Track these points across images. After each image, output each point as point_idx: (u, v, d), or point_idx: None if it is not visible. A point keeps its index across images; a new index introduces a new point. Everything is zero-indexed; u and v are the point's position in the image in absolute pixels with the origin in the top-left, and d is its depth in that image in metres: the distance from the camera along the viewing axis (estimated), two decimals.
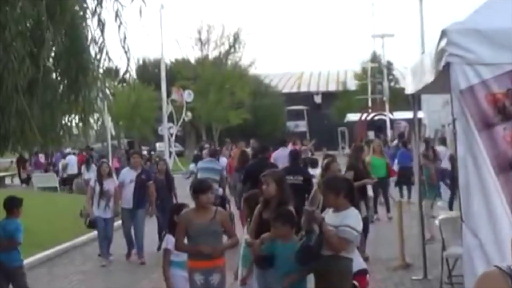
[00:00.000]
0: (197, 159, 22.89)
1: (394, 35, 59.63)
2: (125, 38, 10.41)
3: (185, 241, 8.21)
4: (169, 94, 47.45)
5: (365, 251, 13.29)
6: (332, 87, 78.36)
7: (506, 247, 5.63)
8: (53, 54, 10.37)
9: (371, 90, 63.16)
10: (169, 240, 8.65)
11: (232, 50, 66.77)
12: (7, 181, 39.69)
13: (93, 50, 10.53)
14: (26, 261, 14.23)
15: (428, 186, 15.42)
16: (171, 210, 9.46)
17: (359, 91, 66.83)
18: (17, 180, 39.82)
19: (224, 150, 30.48)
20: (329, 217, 7.25)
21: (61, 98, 10.58)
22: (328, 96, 75.08)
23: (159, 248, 12.63)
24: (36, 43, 9.61)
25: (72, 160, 34.33)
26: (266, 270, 7.63)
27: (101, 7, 10.39)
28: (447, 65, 7.16)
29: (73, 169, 33.90)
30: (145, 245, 14.80)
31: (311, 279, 7.44)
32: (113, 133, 43.94)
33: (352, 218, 7.12)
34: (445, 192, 19.70)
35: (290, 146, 26.51)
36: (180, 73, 59.51)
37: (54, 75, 10.63)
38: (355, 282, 7.43)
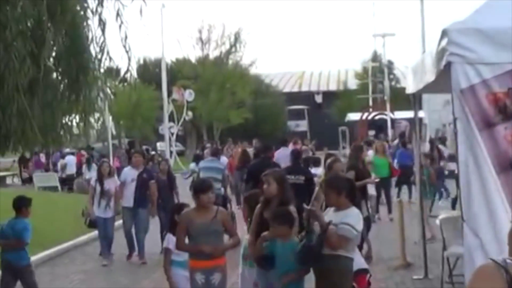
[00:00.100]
0: (197, 158, 22.89)
1: (395, 35, 59.77)
2: (126, 37, 10.43)
3: (186, 240, 8.21)
4: (170, 93, 47.47)
5: (371, 249, 13.33)
6: (333, 87, 78.40)
7: (506, 246, 5.66)
8: (53, 53, 10.38)
9: (372, 89, 63.17)
10: (170, 240, 8.65)
11: (233, 49, 66.75)
12: (8, 180, 39.72)
13: (94, 49, 10.55)
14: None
15: (428, 186, 15.43)
16: (172, 210, 9.47)
17: (360, 91, 66.85)
18: (18, 180, 39.83)
19: (225, 149, 30.53)
20: (330, 216, 7.27)
21: (62, 98, 10.60)
22: (329, 95, 75.10)
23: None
24: (37, 42, 9.62)
25: (71, 160, 34.32)
26: (267, 270, 7.64)
27: (102, 6, 10.42)
28: (448, 64, 7.15)
29: (71, 169, 33.89)
30: (146, 245, 14.80)
31: (311, 278, 7.45)
32: (114, 132, 43.98)
33: (352, 217, 7.14)
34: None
35: (291, 146, 26.54)
36: (181, 72, 59.52)
37: (54, 75, 10.64)
38: (353, 283, 7.44)
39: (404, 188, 21.59)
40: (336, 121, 63.31)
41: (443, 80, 7.53)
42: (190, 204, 9.26)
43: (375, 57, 66.42)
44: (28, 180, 36.76)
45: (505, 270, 2.75)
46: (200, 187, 8.39)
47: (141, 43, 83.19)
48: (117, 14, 10.29)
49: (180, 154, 53.04)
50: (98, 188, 14.42)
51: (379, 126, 49.98)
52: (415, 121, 12.41)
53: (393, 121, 50.37)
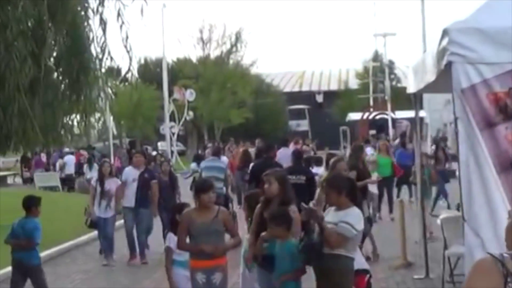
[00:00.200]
0: (197, 158, 22.89)
1: (395, 34, 59.56)
2: (127, 37, 10.44)
3: (187, 240, 8.21)
4: (171, 93, 47.49)
5: (376, 248, 13.36)
6: (334, 86, 78.41)
7: None
8: (54, 53, 10.39)
9: (372, 89, 63.12)
10: (171, 239, 8.65)
11: (234, 49, 66.79)
12: (10, 180, 39.75)
13: (94, 49, 10.55)
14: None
15: (429, 186, 15.43)
16: (173, 209, 9.48)
17: (361, 90, 66.81)
18: (19, 180, 39.86)
19: (226, 149, 30.53)
20: (331, 215, 7.27)
21: (63, 98, 10.60)
22: (329, 95, 75.10)
23: None
24: (38, 42, 9.63)
25: (70, 160, 34.31)
26: (268, 270, 7.65)
27: (103, 6, 10.42)
28: (449, 64, 7.15)
29: (70, 169, 33.88)
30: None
31: (312, 278, 7.45)
32: (115, 132, 43.99)
33: (353, 216, 7.14)
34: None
35: (292, 146, 26.53)
36: (182, 72, 59.52)
37: (55, 75, 10.65)
38: None
39: (404, 188, 21.58)
40: (337, 120, 63.26)
41: (444, 79, 7.53)
42: (190, 204, 9.27)
43: (376, 57, 66.39)
44: (30, 180, 36.79)
45: (502, 264, 2.82)
46: (201, 187, 8.39)
47: (142, 43, 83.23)
48: (118, 14, 10.30)
49: (181, 154, 53.06)
50: (99, 189, 14.37)
51: (380, 126, 49.93)
52: (416, 120, 12.41)
53: (394, 120, 50.31)
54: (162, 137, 51.46)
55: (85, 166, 30.26)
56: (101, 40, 10.44)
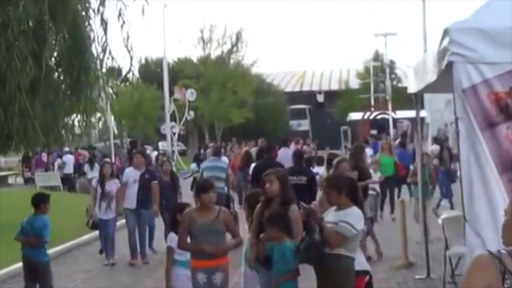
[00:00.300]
0: (197, 159, 22.92)
1: (396, 34, 59.43)
2: (128, 37, 10.44)
3: (188, 240, 8.21)
4: (171, 93, 47.48)
5: (379, 247, 13.37)
6: (335, 86, 78.44)
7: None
8: (55, 53, 10.39)
9: (373, 89, 63.11)
10: (173, 239, 8.65)
11: (235, 49, 66.83)
12: (11, 180, 39.76)
13: (95, 49, 10.56)
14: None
15: (431, 185, 15.42)
16: (174, 209, 9.47)
17: (362, 90, 66.83)
18: (20, 179, 39.85)
19: (228, 149, 30.54)
20: (331, 215, 7.27)
21: (63, 98, 10.60)
22: (330, 95, 75.14)
23: None
24: (39, 42, 9.63)
25: (69, 160, 34.26)
26: (269, 270, 7.66)
27: (104, 6, 10.43)
28: (450, 64, 7.15)
29: (69, 169, 33.85)
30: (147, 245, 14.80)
31: (312, 278, 7.45)
32: (116, 132, 43.98)
33: (352, 216, 7.12)
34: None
35: (292, 146, 26.53)
36: (182, 72, 59.57)
37: (56, 75, 10.65)
38: None
39: (405, 188, 21.56)
40: (338, 120, 63.39)
41: (444, 79, 7.53)
42: (191, 204, 9.27)
43: (377, 57, 66.37)
44: (31, 180, 36.78)
45: (499, 260, 2.86)
46: (201, 187, 8.40)
47: (143, 43, 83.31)
48: (119, 14, 10.31)
49: (182, 153, 53.05)
50: (99, 190, 14.30)
51: (381, 126, 49.93)
52: (417, 120, 12.40)
53: (395, 120, 50.31)
54: (163, 137, 51.41)
55: (86, 166, 30.27)
56: (102, 40, 10.45)
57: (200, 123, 62.26)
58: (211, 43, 65.83)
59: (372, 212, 15.17)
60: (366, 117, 53.37)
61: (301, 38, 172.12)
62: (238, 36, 66.30)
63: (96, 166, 25.55)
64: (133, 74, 11.67)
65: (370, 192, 14.88)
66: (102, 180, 14.40)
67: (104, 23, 10.45)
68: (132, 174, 14.66)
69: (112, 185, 14.40)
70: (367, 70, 68.59)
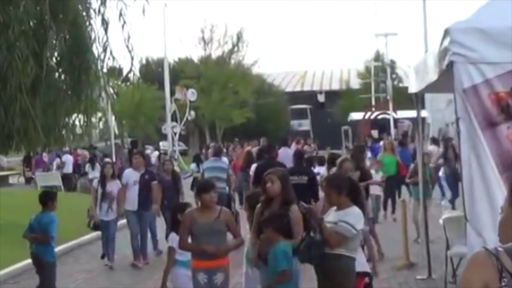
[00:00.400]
0: (197, 159, 22.91)
1: (397, 34, 59.54)
2: (128, 37, 10.42)
3: (189, 240, 8.21)
4: (172, 93, 47.48)
5: (380, 247, 13.38)
6: (336, 86, 78.45)
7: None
8: (56, 53, 10.39)
9: (374, 89, 63.11)
10: (174, 239, 8.65)
11: (235, 49, 66.81)
12: (12, 180, 39.79)
13: (96, 49, 10.55)
14: (31, 260, 14.31)
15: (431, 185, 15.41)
16: (175, 209, 9.47)
17: (363, 90, 66.86)
18: (21, 179, 39.88)
19: (231, 149, 30.53)
20: (331, 215, 7.27)
21: (64, 97, 10.59)
22: (331, 95, 75.15)
23: None
24: (39, 42, 9.62)
25: (68, 159, 34.25)
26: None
27: (105, 6, 10.41)
28: (450, 64, 7.15)
29: (68, 168, 33.84)
30: (149, 245, 14.78)
31: (313, 278, 7.45)
32: (117, 132, 43.99)
33: (352, 216, 7.12)
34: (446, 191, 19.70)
35: (293, 146, 26.53)
36: (183, 72, 59.58)
37: (57, 75, 10.64)
38: None
39: (405, 188, 21.53)
40: (338, 120, 63.34)
41: (445, 79, 7.53)
42: (191, 203, 9.27)
43: (378, 57, 66.38)
44: (32, 180, 36.80)
45: (496, 257, 2.87)
46: (202, 187, 8.40)
47: (144, 43, 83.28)
48: (120, 14, 10.29)
49: (183, 153, 53.06)
50: (100, 190, 14.26)
51: (382, 126, 49.94)
52: (418, 120, 12.40)
53: (395, 120, 50.32)
54: (164, 137, 51.41)
55: (87, 166, 30.28)
56: (103, 40, 10.44)
57: (201, 123, 62.28)
58: (212, 43, 65.85)
59: (373, 212, 15.19)
60: (367, 117, 53.37)
61: (302, 38, 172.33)
62: (239, 36, 66.31)
63: (97, 166, 25.54)
64: (134, 74, 11.64)
65: (372, 192, 14.90)
66: (103, 181, 14.36)
67: (105, 23, 10.43)
68: (132, 175, 14.64)
69: (113, 186, 14.35)
70: (368, 70, 68.60)
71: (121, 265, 14.35)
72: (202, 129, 64.24)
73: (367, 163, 17.06)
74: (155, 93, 55.01)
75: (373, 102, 61.13)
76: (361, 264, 7.84)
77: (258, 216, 8.07)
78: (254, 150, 21.39)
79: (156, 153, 40.04)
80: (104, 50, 10.46)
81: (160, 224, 15.33)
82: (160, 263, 12.90)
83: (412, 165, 16.10)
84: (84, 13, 10.48)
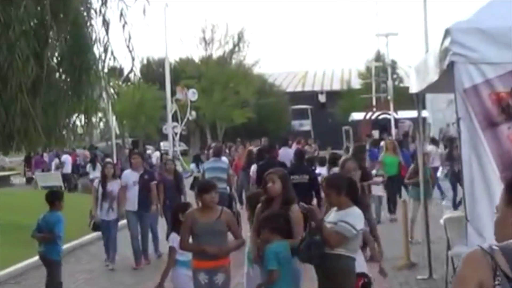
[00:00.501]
0: (196, 159, 22.90)
1: (398, 34, 59.49)
2: (129, 37, 10.43)
3: (190, 240, 8.21)
4: (173, 93, 47.48)
5: (380, 246, 13.37)
6: (337, 86, 78.38)
7: None
8: (56, 53, 10.39)
9: (375, 89, 63.07)
10: (174, 239, 8.65)
11: (236, 49, 66.78)
12: (15, 180, 39.82)
13: (97, 49, 10.56)
14: (32, 260, 14.32)
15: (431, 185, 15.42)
16: (176, 209, 9.46)
17: (364, 90, 66.79)
18: (22, 179, 39.89)
19: (233, 150, 30.52)
20: (332, 215, 7.27)
21: (65, 98, 10.59)
22: (332, 95, 75.10)
23: None
24: (40, 42, 9.62)
25: (67, 159, 34.27)
26: None
27: (106, 6, 10.42)
28: (451, 64, 7.15)
29: (67, 169, 33.85)
30: (150, 246, 14.76)
31: (314, 279, 7.45)
32: (118, 132, 44.01)
33: (352, 216, 7.11)
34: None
35: (294, 146, 26.53)
36: (184, 72, 59.55)
37: (57, 75, 10.65)
38: None
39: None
40: (339, 120, 63.32)
41: (446, 79, 7.52)
42: (192, 204, 9.27)
43: (379, 57, 66.35)
44: (32, 180, 36.82)
45: (491, 256, 2.87)
46: (203, 187, 8.40)
47: (145, 43, 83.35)
48: (121, 14, 10.30)
49: (184, 153, 53.06)
50: (101, 190, 14.22)
51: (383, 126, 49.93)
52: (419, 120, 12.39)
53: (396, 120, 50.30)
54: (164, 137, 51.39)
55: (88, 166, 30.28)
56: (104, 40, 10.44)
57: (202, 123, 62.26)
58: (213, 43, 65.83)
59: (376, 213, 15.20)
60: (368, 117, 53.34)
61: (303, 38, 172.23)
62: (240, 36, 66.29)
63: (98, 166, 25.53)
64: (134, 74, 11.66)
65: (373, 193, 14.91)
66: (104, 181, 14.33)
67: (106, 23, 10.44)
68: (131, 176, 14.59)
69: (114, 186, 14.30)
70: (368, 70, 68.54)
71: (122, 266, 14.34)
72: (203, 129, 64.22)
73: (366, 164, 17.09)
74: (156, 93, 54.99)
75: (374, 102, 61.10)
76: (360, 265, 7.84)
77: (258, 216, 8.08)
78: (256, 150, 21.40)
79: (157, 153, 40.06)
80: (105, 50, 10.47)
81: (162, 224, 15.30)
82: (161, 263, 12.90)
83: (411, 166, 16.10)
84: (85, 13, 10.49)
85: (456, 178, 19.63)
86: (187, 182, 19.91)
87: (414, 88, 10.59)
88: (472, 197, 7.06)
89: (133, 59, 10.61)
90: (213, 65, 62.65)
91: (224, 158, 19.12)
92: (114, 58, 10.60)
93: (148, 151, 43.75)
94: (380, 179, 16.35)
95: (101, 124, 12.54)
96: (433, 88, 9.35)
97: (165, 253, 14.04)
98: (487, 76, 7.05)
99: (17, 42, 9.12)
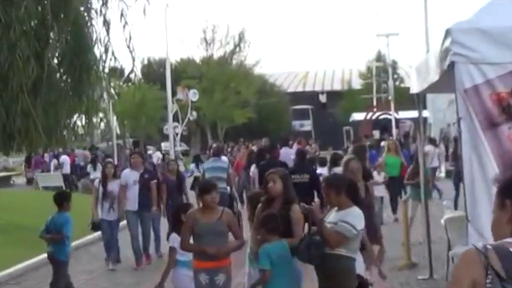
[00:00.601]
0: (196, 159, 22.87)
1: (398, 34, 59.39)
2: (130, 37, 10.43)
3: (191, 240, 8.20)
4: (174, 93, 47.49)
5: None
6: (337, 86, 78.43)
7: None
8: (57, 54, 10.39)
9: (376, 89, 63.10)
10: (175, 239, 8.65)
11: (237, 49, 66.87)
12: (16, 180, 39.86)
13: (98, 50, 10.56)
14: (32, 261, 14.32)
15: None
16: (177, 209, 9.45)
17: (364, 90, 66.82)
18: (22, 180, 39.92)
19: (236, 149, 30.53)
20: (332, 216, 7.26)
21: (66, 98, 10.60)
22: (333, 95, 75.14)
23: None
24: (41, 42, 9.63)
25: (65, 160, 34.30)
26: None
27: (106, 6, 10.43)
28: (452, 64, 7.15)
29: (66, 170, 33.87)
30: (151, 246, 14.75)
31: (314, 279, 7.45)
32: (118, 132, 44.00)
33: (353, 216, 7.10)
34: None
35: (295, 146, 26.52)
36: (185, 72, 59.59)
37: (58, 75, 10.65)
38: None
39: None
40: (340, 120, 63.39)
41: (447, 79, 7.52)
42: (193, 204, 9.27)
43: (379, 57, 66.38)
44: (33, 180, 36.84)
45: (484, 255, 2.92)
46: (204, 187, 8.39)
47: (145, 43, 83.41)
48: (121, 15, 10.30)
49: (185, 154, 53.09)
50: (101, 190, 14.17)
51: (384, 126, 49.94)
52: (419, 121, 12.39)
53: (397, 120, 50.32)
54: (165, 137, 51.44)
55: (89, 167, 30.29)
56: (105, 41, 10.45)
57: (203, 123, 62.29)
58: (213, 43, 65.92)
59: (378, 214, 15.17)
60: (368, 117, 53.36)
61: (304, 38, 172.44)
62: (241, 37, 66.38)
63: (99, 167, 25.52)
64: (135, 74, 11.66)
65: (376, 194, 14.89)
66: (104, 181, 14.31)
67: (106, 23, 10.45)
68: (131, 175, 14.49)
69: (115, 186, 14.24)
70: (369, 71, 68.57)
71: (122, 266, 14.32)
72: (204, 129, 64.25)
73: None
74: (156, 93, 55.00)
75: (375, 103, 61.13)
76: (358, 266, 7.82)
77: (258, 216, 8.08)
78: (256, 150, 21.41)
79: (158, 153, 40.07)
80: (106, 50, 10.48)
81: (163, 224, 15.29)
82: (162, 264, 12.87)
83: (410, 167, 16.08)
84: (86, 14, 10.50)
85: (459, 178, 19.60)
86: (188, 182, 19.92)
87: (414, 88, 10.59)
88: (473, 197, 7.06)
89: (133, 59, 10.62)
90: (214, 65, 62.70)
91: (224, 158, 19.11)
92: (115, 58, 10.62)
93: (149, 151, 43.79)
94: (380, 179, 16.33)
95: (102, 124, 12.56)
96: (434, 88, 9.35)
97: (166, 254, 14.09)
98: (488, 76, 7.04)
99: (18, 43, 9.13)
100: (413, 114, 24.26)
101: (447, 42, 7.20)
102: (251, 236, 8.39)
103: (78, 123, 11.31)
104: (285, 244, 7.49)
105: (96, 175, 23.42)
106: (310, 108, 72.77)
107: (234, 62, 66.83)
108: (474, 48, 7.04)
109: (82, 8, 10.48)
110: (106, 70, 10.93)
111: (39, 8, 9.80)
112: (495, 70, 7.03)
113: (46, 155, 38.21)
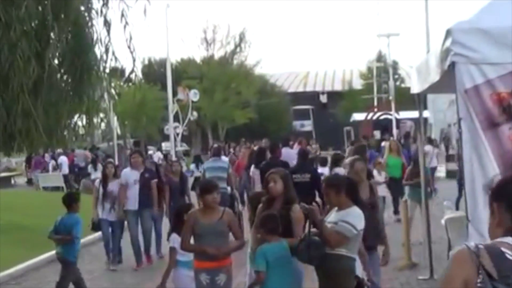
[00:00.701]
0: (196, 159, 22.87)
1: (399, 34, 59.43)
2: (130, 38, 10.43)
3: (192, 240, 8.20)
4: (175, 93, 47.51)
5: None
6: (338, 87, 78.48)
7: None
8: (58, 54, 10.39)
9: (376, 89, 63.12)
10: (175, 240, 8.65)
11: (238, 49, 66.88)
12: (17, 180, 39.89)
13: (98, 50, 10.56)
14: (32, 261, 14.33)
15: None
16: (178, 210, 9.46)
17: (365, 91, 66.85)
18: (22, 180, 39.93)
19: (237, 150, 30.54)
20: (333, 216, 7.26)
21: (66, 98, 10.60)
22: (333, 95, 75.20)
23: None
24: (41, 43, 9.63)
25: (64, 161, 34.31)
26: None
27: (107, 7, 10.43)
28: (452, 64, 7.15)
29: (65, 170, 33.88)
30: (152, 246, 14.74)
31: (314, 279, 7.45)
32: (119, 132, 44.02)
33: (353, 216, 7.10)
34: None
35: (296, 146, 26.53)
36: (186, 72, 59.61)
37: (59, 75, 10.65)
38: None
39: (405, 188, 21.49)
40: (341, 121, 63.39)
41: (447, 80, 7.52)
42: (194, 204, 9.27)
43: (380, 57, 66.42)
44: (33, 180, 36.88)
45: (476, 255, 2.96)
46: (205, 188, 8.39)
47: (146, 43, 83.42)
48: (122, 15, 10.30)
49: (185, 154, 53.10)
50: (101, 190, 14.16)
51: (384, 126, 49.94)
52: (420, 121, 12.39)
53: (398, 121, 50.31)
54: (166, 137, 51.46)
55: (90, 167, 30.29)
56: (105, 41, 10.45)
57: (203, 123, 62.31)
58: (214, 44, 65.94)
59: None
60: (369, 117, 53.36)
61: (304, 38, 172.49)
62: (242, 37, 66.41)
63: (100, 167, 25.53)
64: (136, 74, 11.66)
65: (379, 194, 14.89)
66: (104, 181, 14.31)
67: (107, 23, 10.45)
68: (131, 174, 14.43)
69: (115, 186, 14.24)
70: (370, 71, 68.63)
71: (123, 266, 14.31)
72: (205, 129, 64.26)
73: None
74: (157, 93, 55.01)
75: (375, 103, 61.14)
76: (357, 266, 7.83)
77: (259, 216, 8.09)
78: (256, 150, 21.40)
79: (159, 153, 40.06)
80: (106, 50, 10.48)
81: (165, 224, 15.29)
82: (162, 264, 12.87)
83: (409, 167, 16.07)
84: (86, 14, 10.49)
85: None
86: (188, 182, 19.93)
87: (415, 89, 10.58)
88: (473, 198, 7.06)
89: (134, 59, 10.62)
90: (214, 65, 62.72)
91: (224, 158, 19.12)
92: (116, 58, 10.62)
93: (150, 152, 43.79)
94: (381, 179, 16.33)
95: (103, 124, 12.57)
96: (435, 88, 9.34)
97: (167, 255, 14.08)
98: (488, 77, 7.04)
99: (18, 43, 9.13)
100: (414, 114, 24.26)
101: (448, 42, 7.19)
102: (251, 235, 8.39)
103: (79, 123, 11.32)
104: (285, 244, 7.49)
105: (97, 175, 23.40)
106: (310, 109, 72.79)
107: (234, 62, 66.86)
108: (475, 48, 7.04)
109: (82, 8, 10.48)
110: (107, 70, 10.93)
111: (40, 8, 9.79)
112: (495, 70, 7.03)
113: (46, 155, 38.20)
